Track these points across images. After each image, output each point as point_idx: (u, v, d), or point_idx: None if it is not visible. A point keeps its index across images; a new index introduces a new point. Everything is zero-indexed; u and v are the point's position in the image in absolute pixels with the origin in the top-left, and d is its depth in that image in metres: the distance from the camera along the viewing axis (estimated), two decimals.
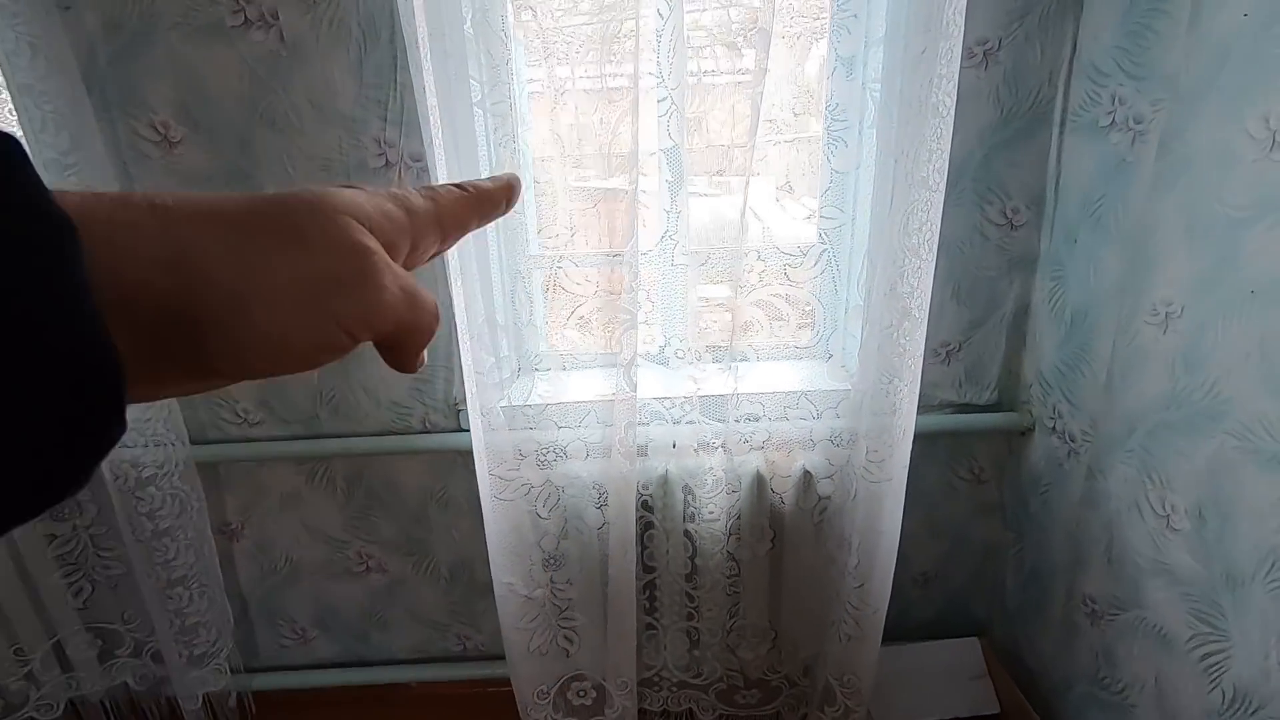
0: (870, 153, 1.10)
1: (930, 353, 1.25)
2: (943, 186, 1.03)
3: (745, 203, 1.06)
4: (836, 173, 1.14)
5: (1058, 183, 1.14)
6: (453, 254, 1.06)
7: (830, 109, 1.12)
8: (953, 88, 0.98)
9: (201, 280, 0.18)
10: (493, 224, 1.18)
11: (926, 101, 1.01)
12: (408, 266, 0.23)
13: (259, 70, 1.06)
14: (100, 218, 0.17)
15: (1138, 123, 0.98)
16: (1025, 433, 1.26)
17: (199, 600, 1.27)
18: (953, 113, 0.99)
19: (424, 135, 1.00)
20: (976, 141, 1.13)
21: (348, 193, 0.21)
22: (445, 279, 1.08)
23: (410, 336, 0.22)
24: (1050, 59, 1.09)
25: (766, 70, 1.00)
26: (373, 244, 0.21)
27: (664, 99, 1.05)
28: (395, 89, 1.08)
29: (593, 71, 1.06)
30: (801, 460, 1.21)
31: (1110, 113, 1.02)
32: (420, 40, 0.96)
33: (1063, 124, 1.12)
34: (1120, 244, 1.02)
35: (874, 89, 1.08)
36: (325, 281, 0.20)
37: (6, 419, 0.13)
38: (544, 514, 1.19)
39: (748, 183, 1.05)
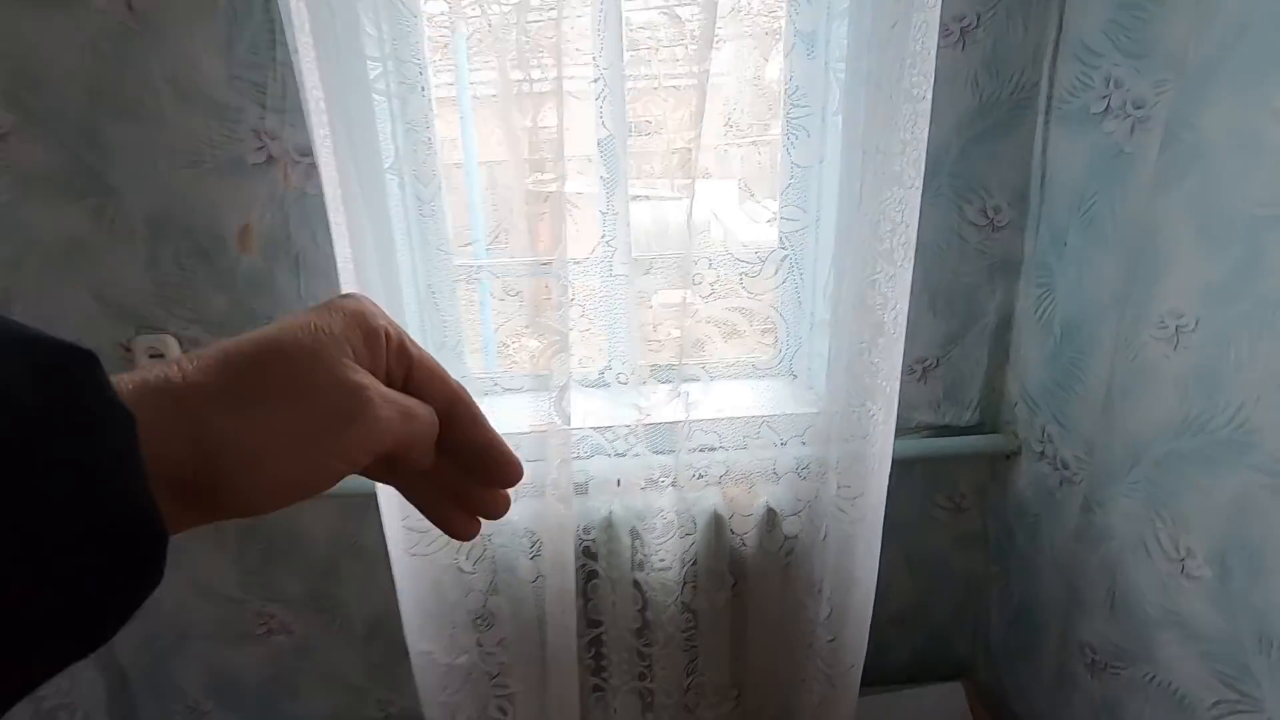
0: (836, 145, 0.96)
1: (904, 370, 1.11)
2: (919, 183, 0.89)
3: (692, 204, 0.91)
4: (798, 167, 1.00)
5: (1044, 178, 1.02)
6: (353, 266, 0.89)
7: (790, 93, 0.98)
8: (929, 69, 0.84)
9: (218, 448, 0.21)
10: (402, 230, 0.97)
11: (899, 85, 0.87)
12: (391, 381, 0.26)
13: (103, 45, 0.88)
14: (144, 405, 0.20)
15: (1137, 108, 0.85)
16: (1010, 456, 1.14)
17: (58, 678, 1.07)
18: (929, 98, 0.85)
19: (309, 126, 0.83)
20: (953, 131, 1.00)
21: (339, 327, 0.24)
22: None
23: (411, 449, 0.26)
24: (1035, 36, 0.97)
25: (712, 52, 0.85)
26: (365, 379, 0.24)
27: (597, 79, 0.90)
28: (275, 69, 0.90)
29: (511, 52, 0.90)
30: (764, 496, 1.06)
31: (1104, 97, 0.90)
32: (295, 5, 0.79)
33: (1048, 111, 0.99)
34: (1118, 247, 0.90)
35: (838, 70, 0.94)
36: (327, 422, 0.23)
37: (84, 568, 0.17)
38: (468, 567, 1.02)
39: (694, 182, 0.90)
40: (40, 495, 0.16)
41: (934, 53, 0.83)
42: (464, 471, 0.28)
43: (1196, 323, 0.79)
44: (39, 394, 0.16)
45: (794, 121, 0.97)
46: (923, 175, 0.89)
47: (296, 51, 0.79)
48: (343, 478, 0.23)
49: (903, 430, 1.15)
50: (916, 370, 1.12)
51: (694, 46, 0.88)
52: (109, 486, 0.17)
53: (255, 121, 0.92)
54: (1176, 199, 0.80)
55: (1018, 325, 1.10)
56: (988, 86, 0.98)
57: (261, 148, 0.93)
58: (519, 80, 0.88)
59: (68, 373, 0.17)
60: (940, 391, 1.14)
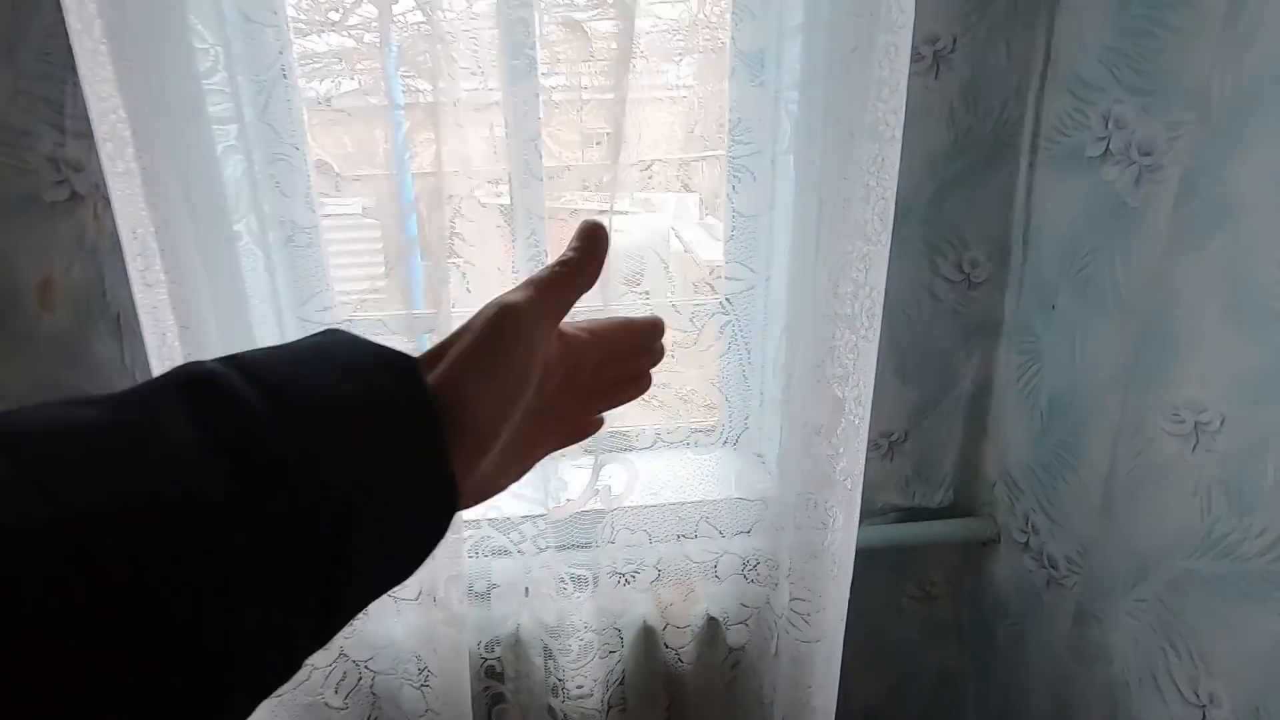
0: (788, 190, 0.80)
1: (869, 445, 0.96)
2: (886, 236, 0.73)
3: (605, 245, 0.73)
4: (742, 216, 0.83)
5: (1028, 229, 0.87)
6: (177, 332, 0.69)
7: (733, 127, 0.81)
8: (898, 101, 0.69)
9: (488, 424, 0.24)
10: (260, 287, 0.78)
11: (861, 119, 0.71)
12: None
13: None
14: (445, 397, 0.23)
15: (1145, 154, 0.71)
16: (988, 544, 0.99)
17: None
18: (898, 136, 0.69)
19: (99, 154, 0.63)
20: (924, 173, 0.85)
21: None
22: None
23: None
24: (1019, 64, 0.82)
25: (630, 72, 0.69)
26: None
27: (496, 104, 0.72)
28: (76, 82, 0.70)
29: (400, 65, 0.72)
30: (704, 602, 0.89)
31: (1102, 139, 0.75)
32: None
33: (1034, 151, 0.84)
34: (1121, 317, 0.75)
35: (790, 100, 0.78)
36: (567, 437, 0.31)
37: (425, 531, 0.22)
38: (337, 702, 0.82)
39: (610, 222, 0.73)
40: (388, 437, 0.20)
41: (904, 82, 0.67)
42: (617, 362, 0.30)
43: (1222, 421, 0.64)
44: (385, 379, 0.21)
45: (737, 162, 0.81)
46: (890, 226, 0.73)
47: (76, 56, 0.60)
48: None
49: (867, 513, 0.99)
50: (882, 445, 0.97)
51: (608, 63, 0.70)
52: (436, 457, 0.21)
53: (51, 149, 0.72)
54: (1198, 266, 0.65)
55: (997, 396, 0.95)
56: (964, 121, 0.83)
57: (62, 182, 0.73)
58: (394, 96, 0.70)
59: (400, 367, 0.21)
60: (909, 469, 0.98)
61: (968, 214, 0.88)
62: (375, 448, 0.19)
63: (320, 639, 0.20)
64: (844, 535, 0.82)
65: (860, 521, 0.90)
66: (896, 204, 0.76)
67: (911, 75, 0.80)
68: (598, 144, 0.81)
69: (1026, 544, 0.92)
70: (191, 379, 0.18)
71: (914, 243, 0.88)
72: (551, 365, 0.26)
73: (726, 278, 0.84)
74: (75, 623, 0.14)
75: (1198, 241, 0.65)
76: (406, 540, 0.21)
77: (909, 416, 0.96)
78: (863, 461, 0.80)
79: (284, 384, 0.19)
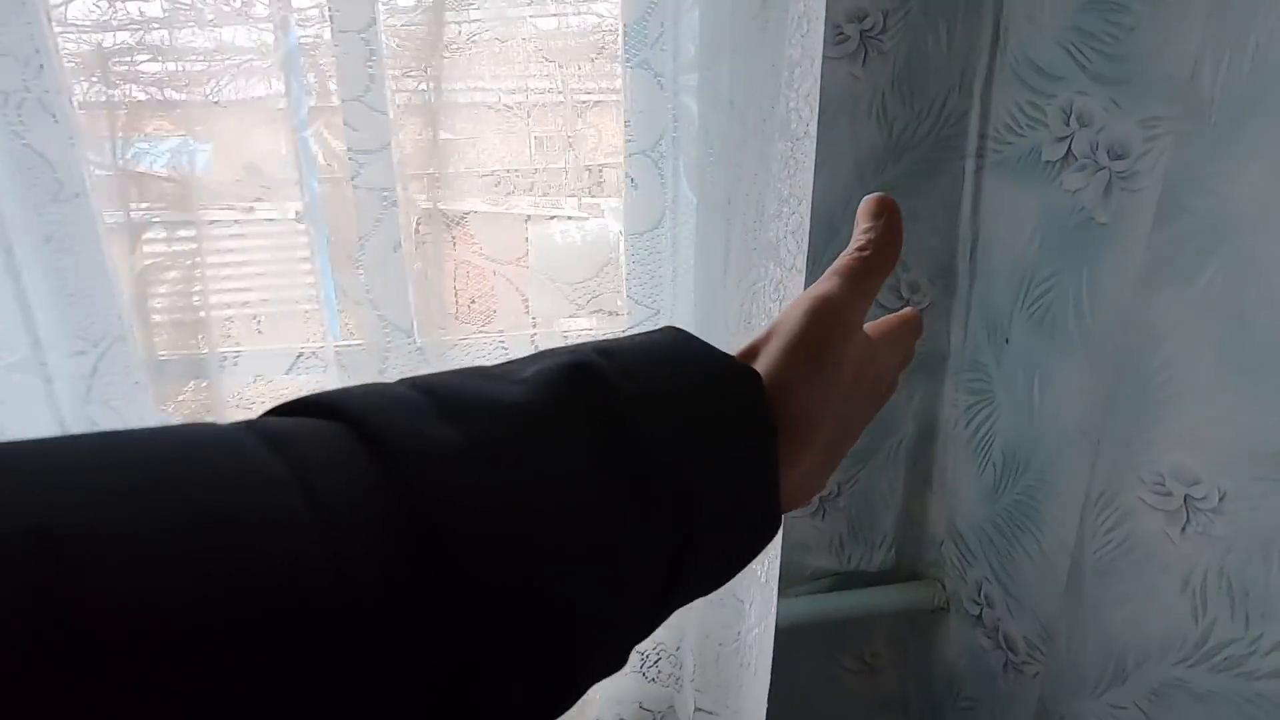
0: (688, 202, 0.64)
1: None
2: (802, 260, 0.58)
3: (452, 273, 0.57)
4: (636, 237, 0.66)
5: (975, 246, 0.73)
6: None
7: (626, 124, 0.65)
8: (812, 87, 0.54)
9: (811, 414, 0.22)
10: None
11: (772, 112, 0.56)
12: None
13: None
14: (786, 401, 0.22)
15: (1117, 157, 0.57)
16: (936, 611, 0.84)
17: None
18: (813, 132, 0.54)
19: None
20: (852, 180, 0.70)
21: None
22: None
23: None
24: (964, 48, 0.68)
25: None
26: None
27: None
28: None
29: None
30: (599, 706, 0.73)
31: (1063, 139, 0.62)
32: None
33: (980, 154, 0.71)
34: (1088, 357, 0.62)
35: (686, 86, 0.62)
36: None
37: (739, 541, 0.20)
38: None
39: (453, 241, 0.56)
40: (729, 449, 0.19)
41: (818, 62, 0.52)
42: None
43: (1221, 498, 0.50)
44: (735, 387, 0.20)
45: (630, 167, 0.64)
46: (807, 246, 0.58)
47: None
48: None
49: (794, 580, 0.84)
50: (811, 501, 0.82)
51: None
52: (769, 465, 0.20)
53: None
54: (1185, 300, 0.51)
55: (943, 442, 0.81)
56: (899, 117, 0.69)
57: None
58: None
59: (750, 381, 0.20)
60: (843, 528, 0.84)
61: (905, 229, 0.73)
62: (720, 448, 0.19)
63: (645, 634, 0.19)
64: (760, 622, 0.67)
65: (786, 592, 0.75)
66: (817, 218, 0.61)
67: (835, 61, 0.66)
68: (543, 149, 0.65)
69: (980, 617, 0.78)
70: (578, 368, 0.18)
71: None
72: (862, 361, 0.24)
73: (614, 312, 0.68)
74: (509, 599, 0.15)
75: (1185, 269, 0.51)
76: (735, 543, 0.20)
77: (841, 469, 0.81)
78: (780, 535, 0.65)
79: (651, 381, 0.19)
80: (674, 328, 0.21)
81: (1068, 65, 0.60)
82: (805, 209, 0.56)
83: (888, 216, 0.25)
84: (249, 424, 0.15)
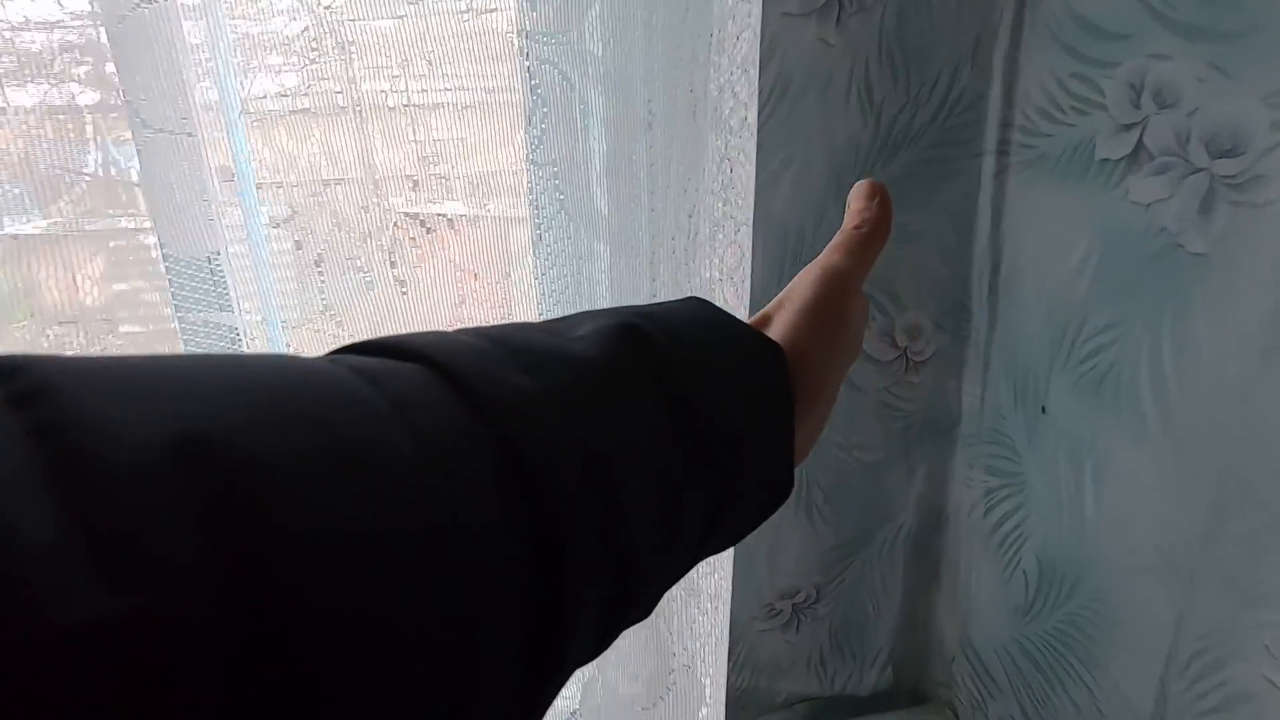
0: (604, 229, 0.44)
1: (761, 612, 0.61)
2: (744, 304, 0.39)
3: None
4: (550, 252, 0.47)
5: (995, 278, 0.53)
6: None
7: (529, 121, 0.45)
8: (749, 53, 0.34)
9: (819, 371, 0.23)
10: None
11: (704, 93, 0.36)
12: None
13: None
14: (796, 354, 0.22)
15: (1223, 154, 0.37)
16: None
17: None
18: (753, 120, 0.35)
19: None
20: (828, 188, 0.50)
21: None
22: None
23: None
24: (978, 1, 0.49)
25: None
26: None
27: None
28: None
29: None
30: None
31: (1130, 128, 0.42)
32: None
33: (1003, 149, 0.51)
34: (1172, 446, 0.42)
35: (594, 55, 0.42)
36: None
37: (758, 503, 0.21)
38: None
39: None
40: (758, 437, 0.20)
41: (758, 9, 0.33)
42: None
43: None
44: (760, 359, 0.20)
45: (537, 183, 0.44)
46: (749, 277, 0.39)
47: None
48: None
49: (761, 709, 0.64)
50: (780, 610, 0.62)
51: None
52: (783, 434, 0.21)
53: None
54: None
55: (954, 531, 0.61)
56: (890, 100, 0.49)
57: None
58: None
59: (774, 354, 0.21)
60: (824, 641, 0.64)
61: (901, 255, 0.54)
62: (753, 411, 0.20)
63: (672, 584, 0.19)
64: None
65: None
66: (775, 241, 0.42)
67: (796, 20, 0.46)
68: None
69: None
70: (631, 330, 0.18)
71: None
72: (859, 325, 0.25)
73: None
74: (591, 525, 0.15)
75: None
76: (758, 501, 0.21)
77: (821, 566, 0.61)
78: (726, 628, 0.46)
79: (693, 346, 0.19)
80: (698, 298, 0.22)
81: (1137, 16, 0.41)
82: (746, 236, 0.37)
83: (881, 198, 0.26)
84: (332, 358, 0.15)
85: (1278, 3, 0.34)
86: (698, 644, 0.52)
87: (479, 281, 0.51)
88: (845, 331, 0.24)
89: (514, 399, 0.15)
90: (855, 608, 0.64)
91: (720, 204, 0.38)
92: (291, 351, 0.46)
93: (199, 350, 0.45)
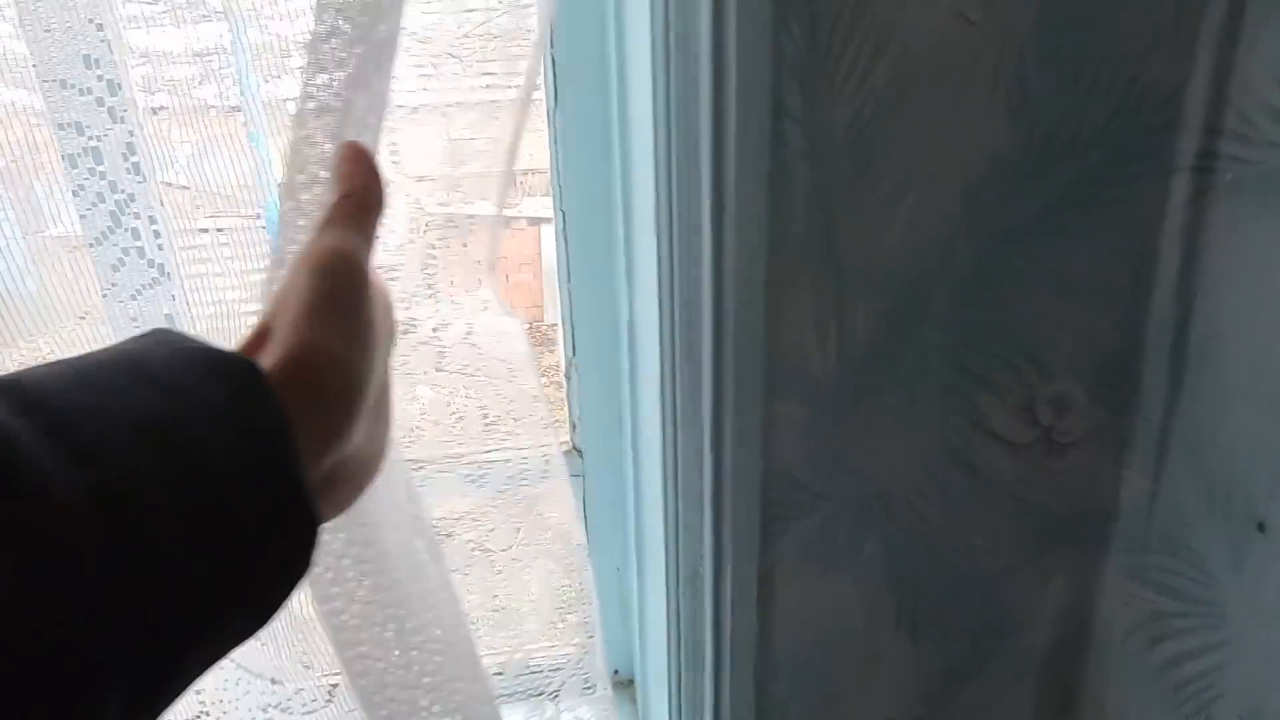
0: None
1: None
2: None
3: None
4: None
5: (1183, 337, 0.40)
6: None
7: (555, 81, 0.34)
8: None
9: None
10: None
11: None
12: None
13: None
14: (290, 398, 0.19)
15: None
16: None
17: None
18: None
19: None
20: (959, 223, 0.37)
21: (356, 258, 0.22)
22: None
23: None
24: None
25: None
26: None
27: None
28: None
29: None
30: None
31: None
32: None
33: (1206, 165, 0.37)
34: None
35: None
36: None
37: (257, 550, 0.17)
38: None
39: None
40: (224, 480, 0.16)
41: None
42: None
43: None
44: (218, 392, 0.17)
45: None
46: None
47: None
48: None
49: None
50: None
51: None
52: (280, 474, 0.17)
53: None
54: None
55: (1100, 658, 0.47)
56: (1047, 98, 0.36)
57: None
58: None
59: (238, 376, 0.17)
60: None
61: (1049, 306, 0.40)
62: (203, 485, 0.16)
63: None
64: None
65: None
66: (889, 297, 0.30)
67: None
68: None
69: None
70: None
71: (927, 362, 0.40)
72: (386, 307, 0.23)
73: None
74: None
75: None
76: (253, 584, 0.17)
77: (926, 694, 0.48)
78: None
79: (77, 420, 0.15)
80: (161, 329, 0.18)
81: None
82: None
83: (362, 161, 0.23)
84: None
85: None
86: None
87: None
88: (366, 318, 0.21)
89: None
90: None
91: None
92: None
93: None
